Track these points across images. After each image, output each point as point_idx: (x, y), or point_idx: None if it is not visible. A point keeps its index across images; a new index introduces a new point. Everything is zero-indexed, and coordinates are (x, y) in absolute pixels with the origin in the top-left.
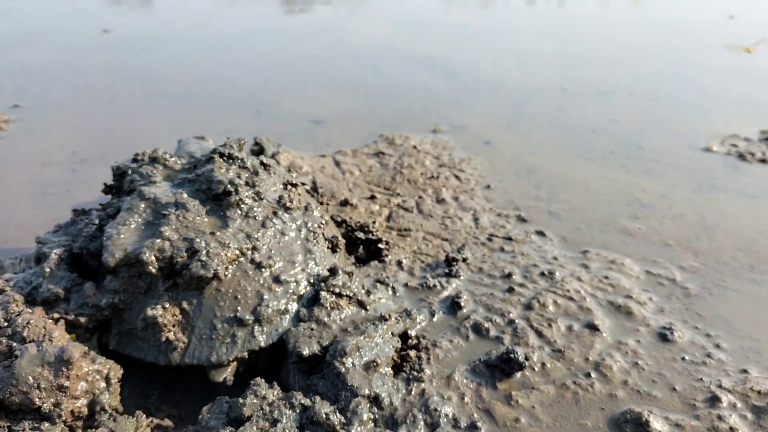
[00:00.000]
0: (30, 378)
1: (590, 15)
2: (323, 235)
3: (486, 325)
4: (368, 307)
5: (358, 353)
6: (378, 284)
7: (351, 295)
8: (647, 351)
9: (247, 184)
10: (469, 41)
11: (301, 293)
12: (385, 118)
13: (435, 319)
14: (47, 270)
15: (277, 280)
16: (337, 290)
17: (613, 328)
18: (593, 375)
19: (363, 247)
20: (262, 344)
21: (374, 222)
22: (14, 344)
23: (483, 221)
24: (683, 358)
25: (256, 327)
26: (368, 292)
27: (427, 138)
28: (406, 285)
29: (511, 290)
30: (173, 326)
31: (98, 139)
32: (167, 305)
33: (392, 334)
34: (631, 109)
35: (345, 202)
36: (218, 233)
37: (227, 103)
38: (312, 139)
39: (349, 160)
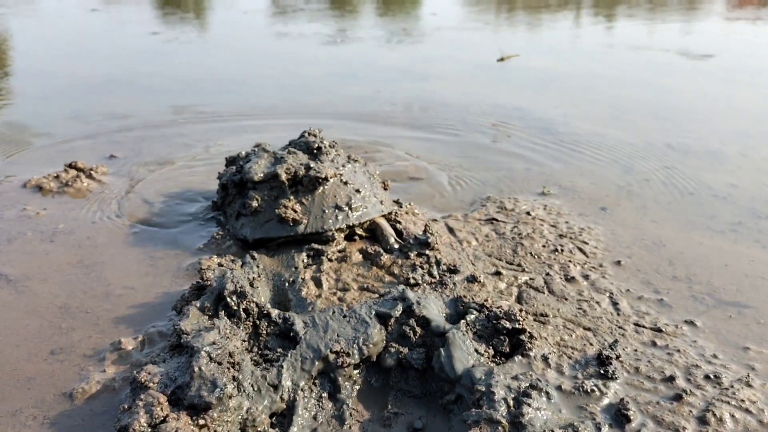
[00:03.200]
0: None
1: (670, 60)
2: (378, 179)
3: None
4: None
5: None
6: (532, 390)
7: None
8: None
9: (331, 146)
10: (550, 90)
11: (372, 201)
12: (485, 177)
13: None
14: (196, 370)
15: (357, 191)
16: None
17: None
18: None
19: (507, 338)
20: (354, 222)
21: (521, 310)
22: None
23: (623, 307)
24: None
25: (349, 211)
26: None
27: (538, 202)
28: (559, 388)
29: (678, 398)
30: (297, 212)
31: (200, 193)
32: (293, 200)
33: None
34: (748, 172)
35: (473, 279)
36: (320, 164)
37: None
38: (414, 200)
39: (462, 226)
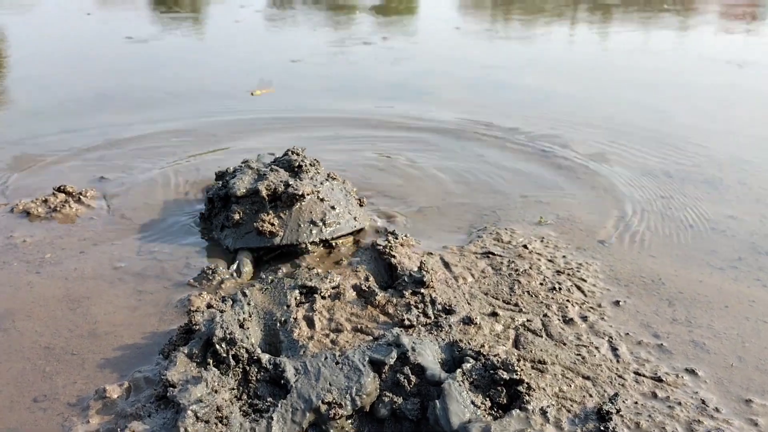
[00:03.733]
0: None
1: (665, 77)
2: (354, 196)
3: None
4: None
5: None
6: None
7: None
8: None
9: (312, 164)
10: (546, 109)
11: (346, 218)
12: (481, 203)
13: None
14: (182, 431)
15: (332, 207)
16: None
17: None
18: None
19: (505, 389)
20: (327, 236)
21: (519, 358)
22: None
23: (623, 352)
24: None
25: (323, 227)
26: None
27: (535, 233)
28: None
29: None
30: (274, 225)
31: (191, 213)
32: (271, 214)
33: None
34: (746, 202)
35: (469, 320)
36: (299, 182)
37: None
38: (411, 230)
39: (458, 260)
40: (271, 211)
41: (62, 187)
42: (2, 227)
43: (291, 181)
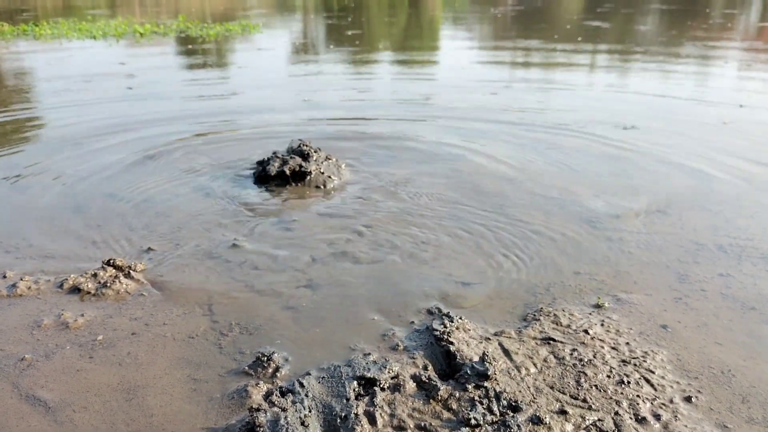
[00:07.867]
0: None
1: (715, 142)
2: (343, 169)
3: None
4: None
5: None
6: None
7: None
8: None
9: (315, 151)
10: (587, 173)
11: (339, 182)
12: (533, 281)
13: None
14: None
15: (329, 177)
16: None
17: None
18: None
19: None
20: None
21: None
22: None
23: None
24: None
25: (323, 188)
26: None
27: (594, 316)
28: None
29: None
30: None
31: (241, 305)
32: (293, 184)
33: None
34: None
35: (537, 420)
36: (308, 163)
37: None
38: (464, 311)
39: (518, 347)
40: (293, 182)
41: (111, 261)
42: (53, 305)
43: (303, 164)
